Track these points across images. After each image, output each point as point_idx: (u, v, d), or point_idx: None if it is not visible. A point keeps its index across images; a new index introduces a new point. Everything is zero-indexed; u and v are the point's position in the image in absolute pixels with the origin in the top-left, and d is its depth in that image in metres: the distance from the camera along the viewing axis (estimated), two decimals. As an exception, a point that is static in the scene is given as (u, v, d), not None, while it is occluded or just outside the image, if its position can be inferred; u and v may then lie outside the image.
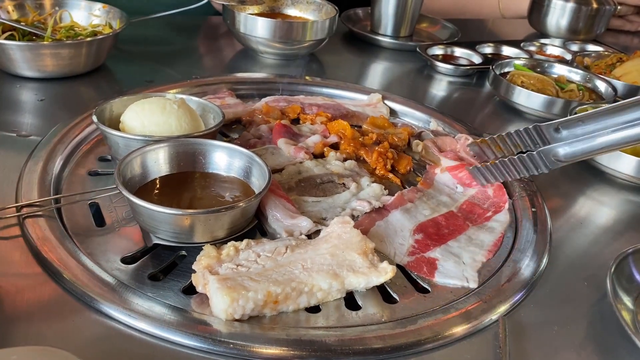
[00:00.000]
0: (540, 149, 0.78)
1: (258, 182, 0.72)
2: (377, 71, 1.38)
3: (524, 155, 0.80)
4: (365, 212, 0.77)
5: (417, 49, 1.34)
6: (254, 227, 0.72)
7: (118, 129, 0.79)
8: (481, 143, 0.86)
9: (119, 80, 1.12)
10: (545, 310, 0.67)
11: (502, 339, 0.60)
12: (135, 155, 0.70)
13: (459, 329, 0.61)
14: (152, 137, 0.74)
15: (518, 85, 1.14)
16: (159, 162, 0.72)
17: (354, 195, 0.79)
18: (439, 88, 1.28)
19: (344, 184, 0.82)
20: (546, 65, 1.28)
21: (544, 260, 0.74)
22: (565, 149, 0.77)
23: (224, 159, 0.74)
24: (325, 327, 0.61)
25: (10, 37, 1.04)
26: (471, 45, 1.41)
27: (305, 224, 0.72)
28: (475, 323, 0.62)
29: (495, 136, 0.85)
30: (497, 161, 0.81)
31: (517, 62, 1.25)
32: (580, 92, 1.19)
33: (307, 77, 1.18)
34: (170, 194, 0.71)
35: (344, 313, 0.63)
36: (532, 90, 1.13)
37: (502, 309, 0.65)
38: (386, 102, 1.11)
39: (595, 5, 1.57)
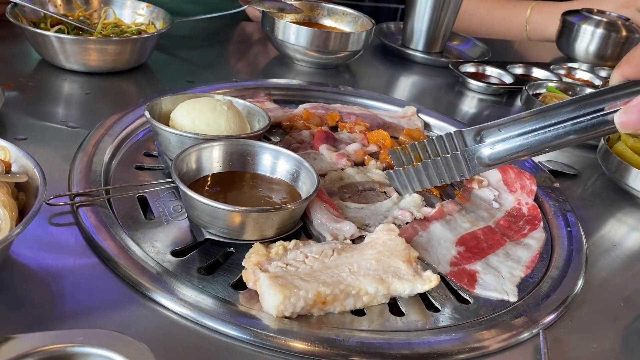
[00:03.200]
0: (465, 149, 0.74)
1: (305, 187, 0.74)
2: (408, 84, 1.40)
3: (448, 156, 0.74)
4: (407, 222, 0.78)
5: (450, 66, 1.36)
6: (299, 229, 0.73)
7: (167, 126, 0.81)
8: (401, 150, 0.77)
9: (159, 79, 1.14)
10: (583, 327, 0.68)
11: (545, 352, 0.61)
12: (191, 152, 0.72)
13: (503, 340, 0.62)
14: (204, 135, 0.76)
15: (551, 107, 1.15)
16: (212, 160, 0.74)
17: (395, 204, 0.81)
18: (470, 105, 1.30)
19: (385, 192, 0.83)
20: (577, 89, 1.29)
21: (581, 279, 0.75)
22: (488, 149, 0.73)
23: (273, 162, 0.76)
24: (370, 330, 0.62)
25: (59, 31, 1.06)
26: (502, 65, 1.42)
27: (349, 228, 0.73)
28: (517, 335, 0.64)
29: (415, 143, 0.77)
30: (418, 164, 0.76)
31: (550, 84, 1.27)
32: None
33: (341, 87, 1.20)
34: (220, 191, 0.72)
35: (388, 318, 0.64)
36: (564, 112, 1.15)
37: (543, 323, 0.66)
38: (420, 115, 1.13)
39: (624, 33, 1.58)
